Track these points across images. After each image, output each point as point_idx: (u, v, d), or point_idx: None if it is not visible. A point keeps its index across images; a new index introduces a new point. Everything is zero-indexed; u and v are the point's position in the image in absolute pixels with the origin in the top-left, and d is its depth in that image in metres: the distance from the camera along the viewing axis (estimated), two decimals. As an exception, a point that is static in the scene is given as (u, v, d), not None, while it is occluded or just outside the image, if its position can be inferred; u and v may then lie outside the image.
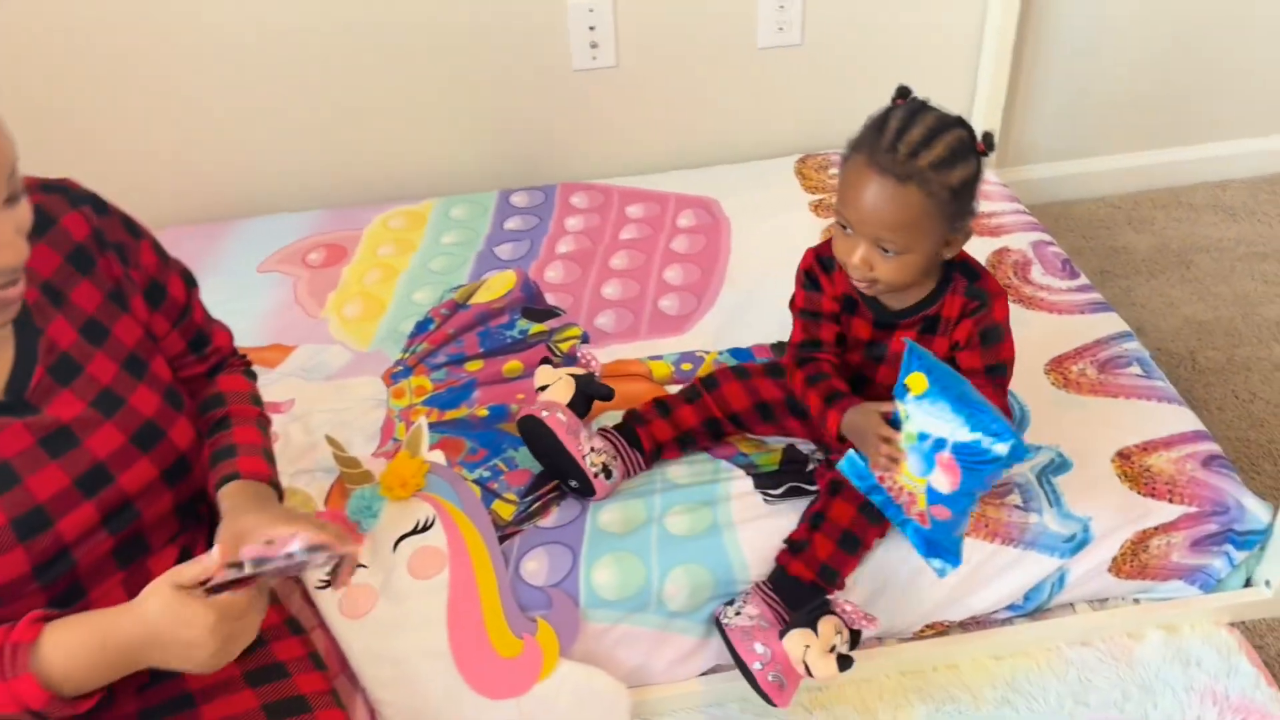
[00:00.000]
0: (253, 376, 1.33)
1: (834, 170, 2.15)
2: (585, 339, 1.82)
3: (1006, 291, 1.38)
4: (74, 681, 0.96)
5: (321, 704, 1.18)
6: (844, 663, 1.31)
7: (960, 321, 1.34)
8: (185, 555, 1.15)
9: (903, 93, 1.28)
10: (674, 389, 1.70)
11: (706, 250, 2.02)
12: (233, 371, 1.30)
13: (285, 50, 2.07)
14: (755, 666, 1.33)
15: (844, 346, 1.43)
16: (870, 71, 2.24)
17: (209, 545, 1.15)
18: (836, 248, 1.31)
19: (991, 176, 2.19)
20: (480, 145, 2.24)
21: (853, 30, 2.19)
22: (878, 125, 1.24)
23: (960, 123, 1.24)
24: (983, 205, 2.08)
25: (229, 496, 1.12)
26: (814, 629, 1.32)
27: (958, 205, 1.24)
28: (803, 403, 1.41)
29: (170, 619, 0.95)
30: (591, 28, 2.11)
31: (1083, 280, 1.89)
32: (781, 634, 1.34)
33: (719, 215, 2.12)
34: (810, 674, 1.32)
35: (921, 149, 1.20)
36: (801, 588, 1.38)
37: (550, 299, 1.91)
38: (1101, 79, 2.36)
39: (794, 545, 1.42)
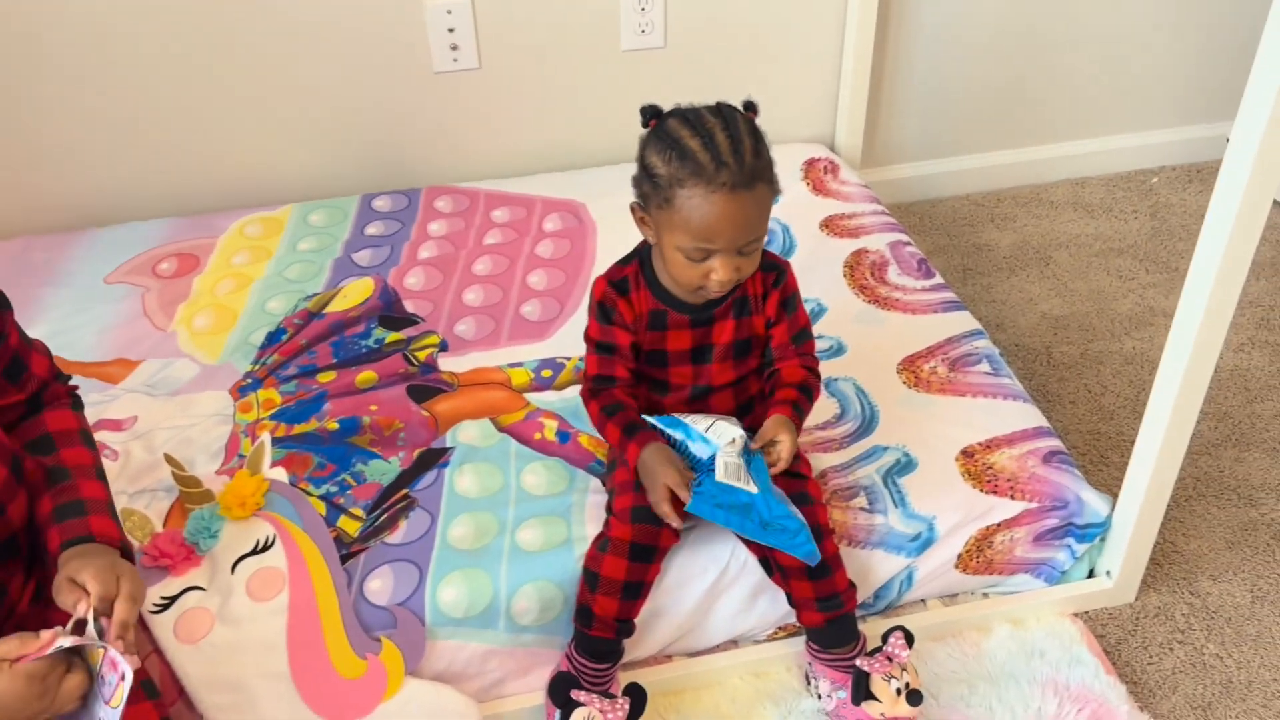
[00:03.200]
0: (80, 407, 1.29)
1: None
2: (444, 347, 1.79)
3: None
4: None
5: (153, 733, 1.15)
6: None
7: (768, 296, 1.37)
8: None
9: (654, 113, 1.28)
10: (533, 396, 1.69)
11: (572, 254, 2.01)
12: (59, 406, 1.24)
13: (137, 50, 2.00)
14: None
15: (662, 364, 1.40)
16: (734, 74, 2.24)
17: (26, 579, 1.15)
18: (687, 276, 1.27)
19: (853, 177, 2.21)
20: (342, 149, 2.19)
21: (715, 33, 2.19)
22: (683, 152, 1.21)
23: (729, 107, 1.27)
24: (843, 207, 2.12)
25: (78, 557, 1.10)
26: None
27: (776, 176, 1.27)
28: (600, 433, 1.40)
29: None
30: (451, 29, 2.08)
31: (937, 280, 1.92)
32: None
33: (585, 219, 2.11)
34: None
35: (740, 148, 1.21)
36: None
37: (410, 306, 1.88)
38: (963, 79, 2.41)
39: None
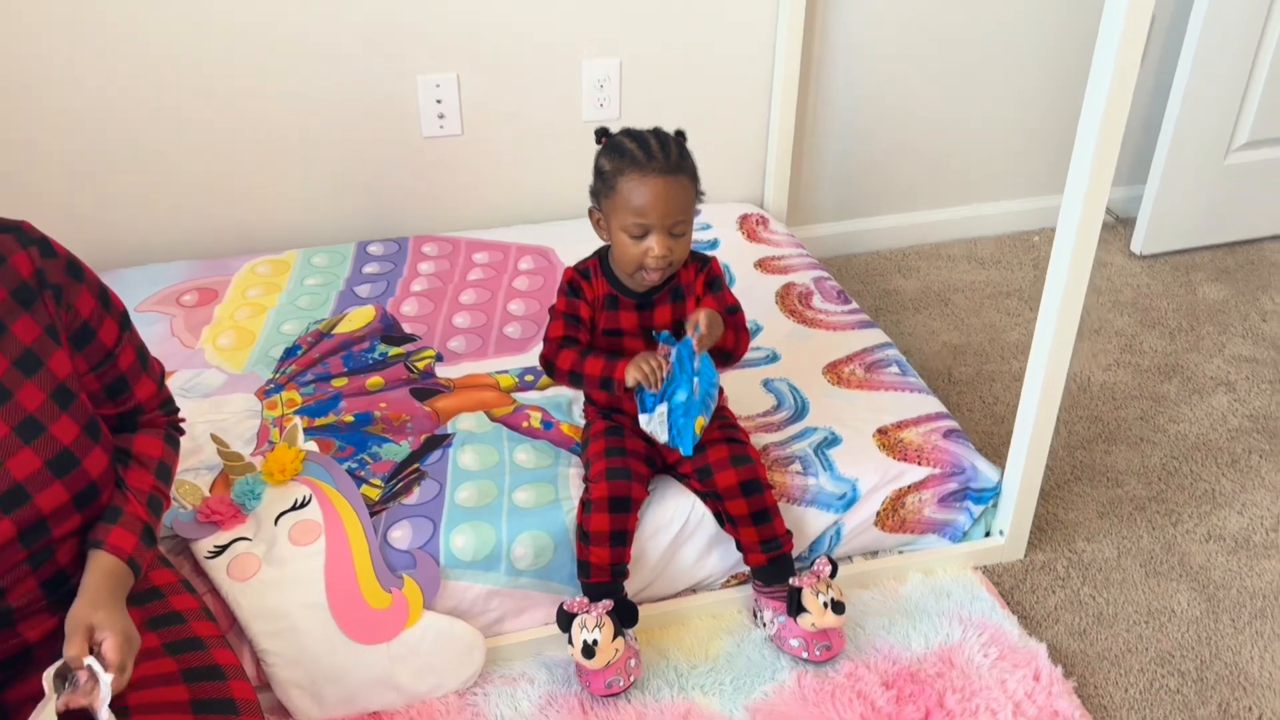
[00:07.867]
0: (174, 442, 1.42)
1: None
2: (439, 358, 2.09)
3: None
4: None
5: (215, 644, 1.36)
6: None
7: (696, 279, 1.71)
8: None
9: (604, 131, 1.64)
10: (521, 395, 1.99)
11: (544, 288, 2.33)
12: (152, 432, 1.38)
13: (164, 115, 2.30)
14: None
15: (618, 337, 1.71)
16: (679, 142, 2.62)
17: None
18: (628, 256, 1.61)
19: (781, 228, 2.59)
20: (339, 204, 2.51)
21: (662, 107, 2.57)
22: (624, 152, 1.57)
23: (663, 129, 1.63)
24: (773, 251, 2.48)
25: (87, 568, 1.21)
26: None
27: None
28: (575, 370, 1.66)
29: None
30: (439, 100, 2.43)
31: (854, 305, 2.29)
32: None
33: (555, 260, 2.44)
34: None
35: (670, 149, 1.58)
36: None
37: (407, 329, 2.18)
38: (872, 153, 2.82)
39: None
